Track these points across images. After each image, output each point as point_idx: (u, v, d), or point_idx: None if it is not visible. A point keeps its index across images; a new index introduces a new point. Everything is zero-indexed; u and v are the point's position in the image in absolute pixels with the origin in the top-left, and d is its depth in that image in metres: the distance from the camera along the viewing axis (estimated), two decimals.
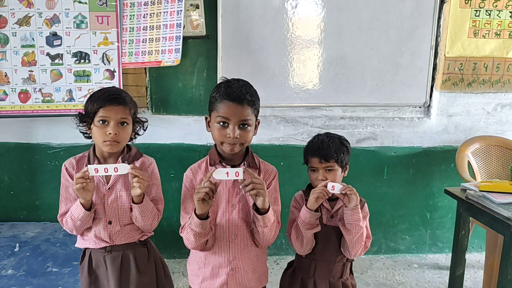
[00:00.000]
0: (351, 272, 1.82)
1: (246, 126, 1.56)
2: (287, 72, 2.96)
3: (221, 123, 1.55)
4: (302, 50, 2.94)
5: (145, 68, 2.88)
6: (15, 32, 2.70)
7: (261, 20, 2.86)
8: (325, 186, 1.62)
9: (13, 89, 2.74)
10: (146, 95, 2.92)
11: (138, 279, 1.73)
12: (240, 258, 1.65)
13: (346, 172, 1.76)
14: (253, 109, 1.58)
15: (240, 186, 1.51)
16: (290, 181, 2.95)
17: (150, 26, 2.76)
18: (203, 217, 1.51)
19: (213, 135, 1.60)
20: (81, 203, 1.60)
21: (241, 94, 1.53)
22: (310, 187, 1.78)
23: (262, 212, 1.54)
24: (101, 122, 1.61)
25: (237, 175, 1.46)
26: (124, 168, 1.56)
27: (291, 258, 1.91)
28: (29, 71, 2.74)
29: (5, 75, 2.73)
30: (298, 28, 2.91)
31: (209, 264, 1.66)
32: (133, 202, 1.64)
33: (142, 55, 2.78)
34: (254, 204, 1.54)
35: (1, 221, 3.00)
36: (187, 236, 1.58)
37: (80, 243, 1.76)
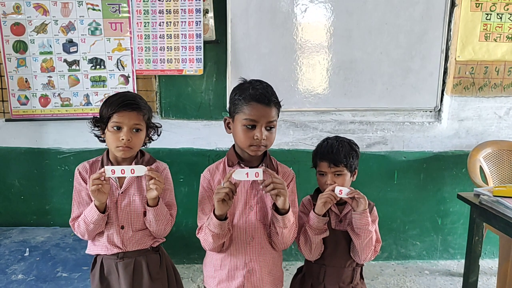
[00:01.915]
0: (361, 277, 1.80)
1: (272, 127, 1.58)
2: (296, 77, 2.95)
3: (248, 126, 1.54)
4: (312, 54, 2.93)
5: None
6: (33, 39, 2.77)
7: (270, 25, 2.86)
8: (333, 190, 1.60)
9: (34, 94, 2.83)
10: (156, 100, 2.93)
11: (151, 286, 1.72)
12: (257, 261, 1.64)
13: (355, 176, 1.74)
14: (278, 110, 1.60)
15: (261, 186, 1.50)
16: (300, 186, 2.89)
17: (167, 34, 2.80)
18: (222, 218, 1.51)
19: (237, 138, 1.59)
20: (95, 205, 1.59)
21: (268, 95, 1.55)
22: (318, 191, 1.77)
23: (282, 212, 1.53)
24: (115, 128, 1.61)
25: (257, 175, 1.46)
26: (141, 169, 1.55)
27: (301, 263, 1.89)
28: (48, 76, 2.82)
29: (26, 81, 2.81)
30: (307, 32, 2.90)
31: (225, 266, 1.65)
32: (148, 205, 1.64)
33: (161, 63, 2.83)
34: (274, 204, 1.54)
35: (11, 225, 3.01)
36: (205, 237, 1.57)
37: (91, 250, 1.75)
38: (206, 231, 1.55)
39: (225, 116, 1.66)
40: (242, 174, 1.47)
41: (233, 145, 1.66)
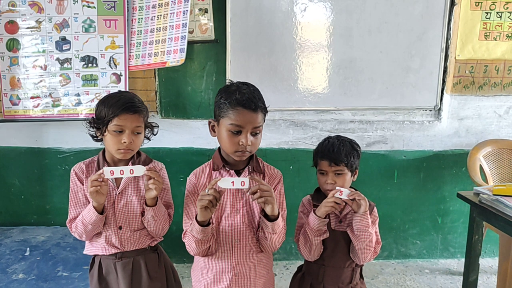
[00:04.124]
0: (361, 277, 1.80)
1: (258, 133, 1.55)
2: (296, 76, 2.95)
3: (233, 131, 1.52)
4: (311, 53, 2.93)
5: (155, 72, 2.89)
6: (27, 37, 2.72)
7: (269, 24, 2.86)
8: (334, 192, 1.60)
9: (26, 94, 2.77)
10: (156, 99, 2.93)
11: (150, 285, 1.73)
12: (244, 264, 1.62)
13: (356, 176, 1.74)
14: (264, 115, 1.57)
15: (248, 194, 1.48)
16: (300, 185, 2.94)
17: (157, 28, 2.74)
18: (204, 224, 1.49)
19: (222, 143, 1.57)
20: (93, 207, 1.59)
21: (255, 100, 1.51)
22: (318, 191, 1.77)
23: (271, 219, 1.52)
24: (116, 131, 1.60)
25: (242, 184, 1.43)
26: (140, 170, 1.55)
27: (301, 262, 1.89)
28: (40, 75, 2.75)
29: (18, 80, 2.75)
30: (307, 31, 2.90)
31: (212, 269, 1.63)
32: (147, 205, 1.64)
33: (148, 57, 2.76)
34: (263, 210, 1.52)
35: (12, 225, 3.02)
36: (189, 243, 1.56)
37: (89, 250, 1.74)
38: (189, 236, 1.53)
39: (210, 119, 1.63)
40: (227, 182, 1.44)
41: (219, 148, 1.64)
